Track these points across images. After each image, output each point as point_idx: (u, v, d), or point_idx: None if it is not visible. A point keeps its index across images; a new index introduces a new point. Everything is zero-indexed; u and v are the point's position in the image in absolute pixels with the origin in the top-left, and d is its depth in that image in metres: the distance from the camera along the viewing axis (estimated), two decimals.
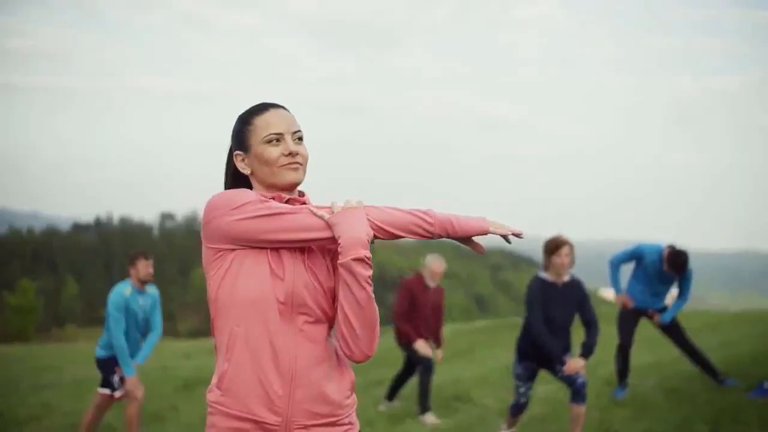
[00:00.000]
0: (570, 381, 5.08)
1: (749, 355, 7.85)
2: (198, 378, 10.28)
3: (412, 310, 6.93)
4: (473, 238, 2.07)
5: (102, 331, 5.90)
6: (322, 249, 2.05)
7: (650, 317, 6.83)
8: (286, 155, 2.03)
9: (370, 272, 1.94)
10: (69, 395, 9.59)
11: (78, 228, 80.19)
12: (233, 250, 1.97)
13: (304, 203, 2.08)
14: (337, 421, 2.02)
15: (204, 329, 39.60)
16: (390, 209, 2.03)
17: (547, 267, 5.24)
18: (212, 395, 2.01)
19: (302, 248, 2.01)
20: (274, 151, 2.02)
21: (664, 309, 6.81)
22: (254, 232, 1.94)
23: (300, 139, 2.07)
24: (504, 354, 9.99)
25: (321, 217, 1.97)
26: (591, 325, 5.21)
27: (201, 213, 2.08)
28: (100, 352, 5.90)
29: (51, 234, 75.46)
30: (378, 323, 2.00)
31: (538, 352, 5.19)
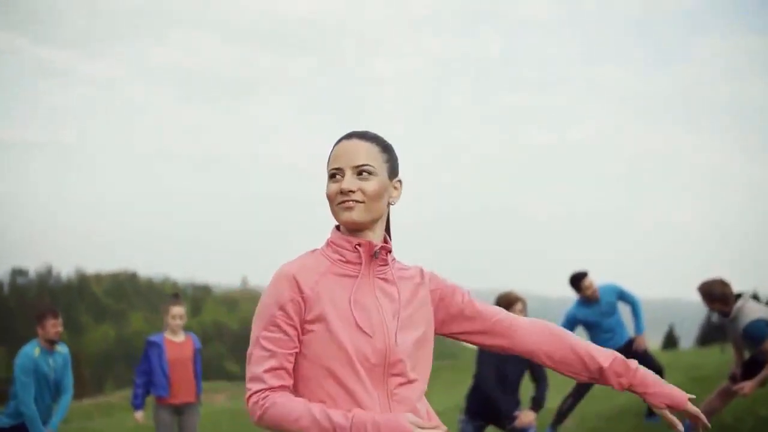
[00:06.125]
0: None
1: None
2: None
3: None
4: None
5: None
6: (422, 298, 1.90)
7: (630, 351, 6.65)
8: (341, 193, 1.83)
9: None
10: None
11: None
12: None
13: (386, 263, 1.87)
14: None
15: None
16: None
17: None
18: None
19: (394, 299, 1.84)
20: (332, 188, 1.84)
21: (631, 342, 6.72)
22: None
23: (364, 173, 1.82)
24: None
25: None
26: (541, 380, 5.19)
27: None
28: (5, 421, 5.31)
29: None
30: None
31: (488, 410, 5.08)
